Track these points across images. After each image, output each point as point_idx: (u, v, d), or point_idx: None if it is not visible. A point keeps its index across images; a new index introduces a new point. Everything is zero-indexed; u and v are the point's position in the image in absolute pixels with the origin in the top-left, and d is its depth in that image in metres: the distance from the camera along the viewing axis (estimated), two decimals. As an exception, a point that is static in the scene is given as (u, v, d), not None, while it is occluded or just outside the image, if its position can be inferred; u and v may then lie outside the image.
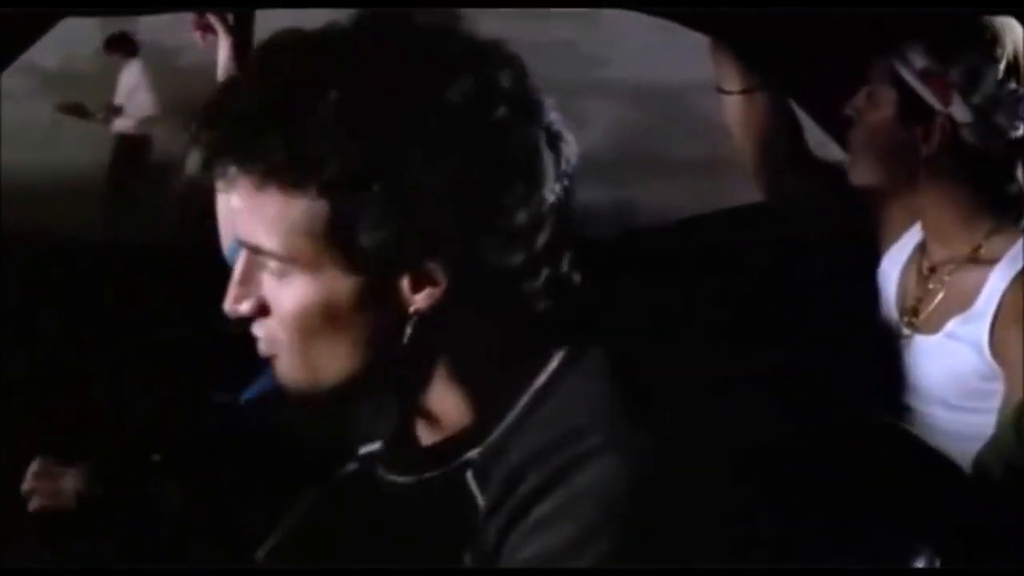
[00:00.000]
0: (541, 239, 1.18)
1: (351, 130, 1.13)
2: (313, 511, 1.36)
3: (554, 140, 1.19)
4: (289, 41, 1.20)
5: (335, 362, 1.19)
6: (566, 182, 1.20)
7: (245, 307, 1.20)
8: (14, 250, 3.71)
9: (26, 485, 1.85)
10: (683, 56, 4.63)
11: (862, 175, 2.01)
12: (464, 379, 1.22)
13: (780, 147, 2.25)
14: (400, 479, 1.27)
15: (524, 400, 1.21)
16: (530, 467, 1.16)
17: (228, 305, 1.21)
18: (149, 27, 8.43)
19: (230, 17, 2.34)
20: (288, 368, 1.22)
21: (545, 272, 1.19)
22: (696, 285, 2.02)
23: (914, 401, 2.01)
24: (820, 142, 2.23)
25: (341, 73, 1.16)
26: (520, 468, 1.17)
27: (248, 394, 2.28)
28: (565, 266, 1.21)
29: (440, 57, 1.18)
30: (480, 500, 1.19)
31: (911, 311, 2.01)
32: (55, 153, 8.11)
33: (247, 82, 1.19)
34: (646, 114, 4.70)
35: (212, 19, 2.34)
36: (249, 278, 1.20)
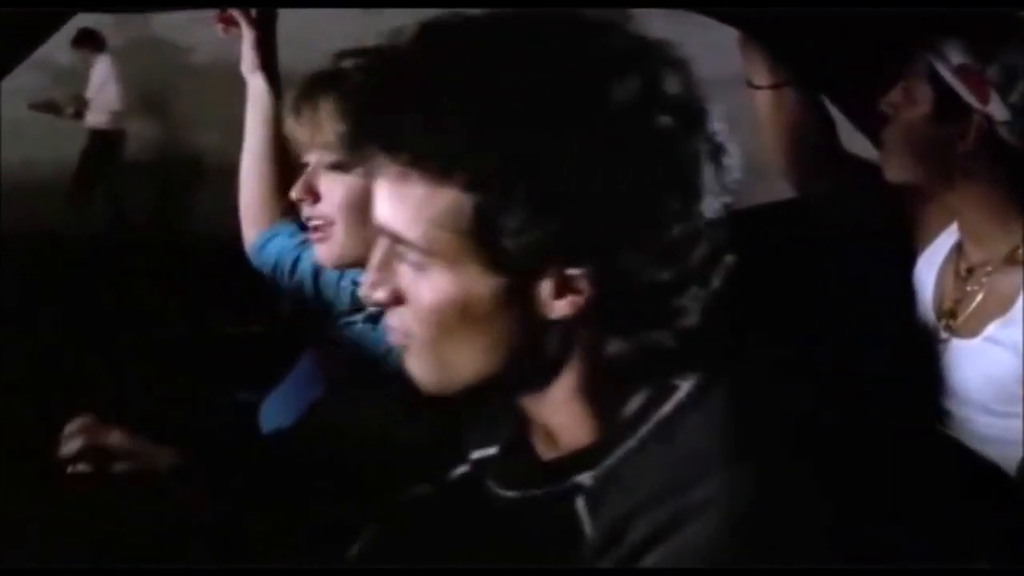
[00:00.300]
0: (695, 256, 1.12)
1: (502, 125, 1.08)
2: (413, 512, 1.31)
3: (716, 152, 1.13)
4: (448, 26, 1.14)
5: (467, 361, 1.16)
6: (727, 198, 1.14)
7: (381, 294, 1.17)
8: (16, 247, 3.67)
9: (71, 445, 1.78)
10: (695, 53, 4.59)
11: (897, 172, 1.96)
12: (591, 395, 1.18)
13: (811, 143, 2.20)
14: (507, 493, 1.22)
15: (647, 428, 1.16)
16: (639, 515, 1.11)
17: (364, 290, 1.18)
18: (161, 23, 8.46)
19: (253, 11, 2.33)
20: (419, 361, 1.18)
21: (693, 290, 1.14)
22: (726, 286, 1.97)
23: (952, 405, 1.95)
24: (852, 139, 2.19)
25: (499, 64, 1.10)
26: (629, 515, 1.11)
27: (269, 428, 2.24)
28: (715, 284, 1.15)
29: (604, 55, 1.12)
30: (588, 530, 1.13)
31: (949, 314, 1.96)
32: (67, 149, 8.11)
33: (400, 65, 1.13)
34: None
35: (235, 13, 2.33)
36: (387, 265, 1.17)
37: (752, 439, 1.14)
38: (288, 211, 2.39)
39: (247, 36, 2.36)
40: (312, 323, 2.23)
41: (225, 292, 3.62)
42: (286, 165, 2.43)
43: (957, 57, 1.86)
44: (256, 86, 2.39)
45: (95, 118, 8.67)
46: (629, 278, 1.11)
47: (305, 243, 2.31)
